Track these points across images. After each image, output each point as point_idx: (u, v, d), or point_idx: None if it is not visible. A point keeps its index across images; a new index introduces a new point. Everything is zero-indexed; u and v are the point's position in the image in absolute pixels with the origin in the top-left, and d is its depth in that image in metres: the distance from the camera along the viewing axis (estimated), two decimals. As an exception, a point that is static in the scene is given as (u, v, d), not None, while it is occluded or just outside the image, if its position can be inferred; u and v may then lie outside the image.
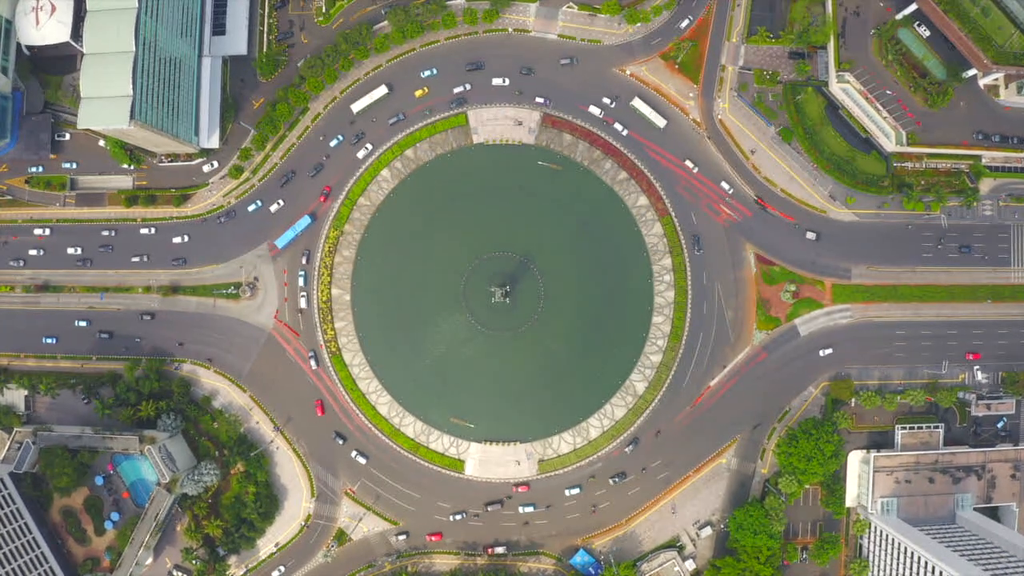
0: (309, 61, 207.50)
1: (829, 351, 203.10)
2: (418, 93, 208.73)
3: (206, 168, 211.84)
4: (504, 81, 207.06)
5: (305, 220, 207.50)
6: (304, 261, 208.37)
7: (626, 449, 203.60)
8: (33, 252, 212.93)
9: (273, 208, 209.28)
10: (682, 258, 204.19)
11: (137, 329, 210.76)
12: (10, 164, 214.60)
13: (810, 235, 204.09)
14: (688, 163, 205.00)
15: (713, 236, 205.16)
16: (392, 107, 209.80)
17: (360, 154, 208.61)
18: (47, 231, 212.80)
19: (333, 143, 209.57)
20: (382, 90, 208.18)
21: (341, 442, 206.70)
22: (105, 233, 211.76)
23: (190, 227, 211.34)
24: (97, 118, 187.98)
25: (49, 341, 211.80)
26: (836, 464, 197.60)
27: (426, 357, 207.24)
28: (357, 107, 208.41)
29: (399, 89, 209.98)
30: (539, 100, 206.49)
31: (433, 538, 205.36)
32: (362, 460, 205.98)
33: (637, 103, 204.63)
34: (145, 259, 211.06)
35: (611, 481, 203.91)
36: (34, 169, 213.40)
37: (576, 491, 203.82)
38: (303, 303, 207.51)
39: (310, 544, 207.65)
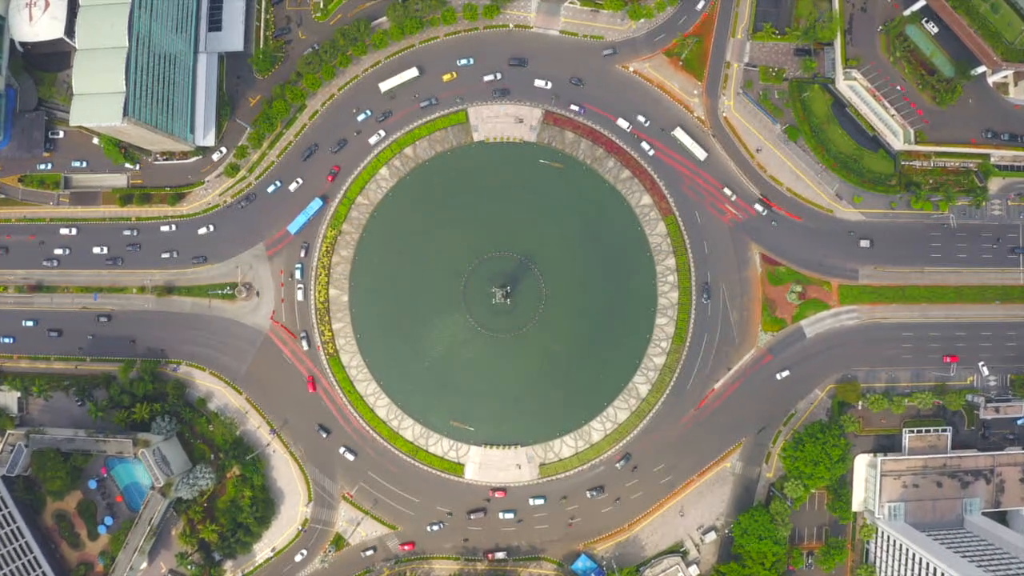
0: (307, 57, 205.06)
1: (786, 373, 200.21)
2: (446, 77, 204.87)
3: (215, 156, 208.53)
4: (547, 84, 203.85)
5: (317, 203, 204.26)
6: (303, 254, 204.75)
7: (617, 464, 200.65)
8: (59, 251, 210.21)
9: (292, 187, 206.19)
10: (686, 258, 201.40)
11: (95, 328, 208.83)
12: (3, 163, 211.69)
13: (864, 243, 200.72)
14: (727, 191, 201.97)
15: (718, 236, 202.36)
16: (421, 90, 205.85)
17: (372, 140, 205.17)
18: (73, 230, 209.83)
19: (361, 117, 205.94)
20: (412, 72, 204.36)
21: (324, 435, 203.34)
22: (127, 232, 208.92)
23: (214, 217, 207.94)
24: (90, 115, 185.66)
25: (6, 340, 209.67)
26: (843, 468, 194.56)
27: (425, 359, 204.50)
28: (385, 86, 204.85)
29: (427, 73, 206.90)
30: (574, 107, 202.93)
31: (406, 547, 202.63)
32: (350, 456, 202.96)
33: (679, 133, 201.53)
34: (175, 255, 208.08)
35: (588, 494, 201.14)
36: (42, 167, 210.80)
37: (540, 501, 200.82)
38: (300, 296, 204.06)
39: (307, 549, 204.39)
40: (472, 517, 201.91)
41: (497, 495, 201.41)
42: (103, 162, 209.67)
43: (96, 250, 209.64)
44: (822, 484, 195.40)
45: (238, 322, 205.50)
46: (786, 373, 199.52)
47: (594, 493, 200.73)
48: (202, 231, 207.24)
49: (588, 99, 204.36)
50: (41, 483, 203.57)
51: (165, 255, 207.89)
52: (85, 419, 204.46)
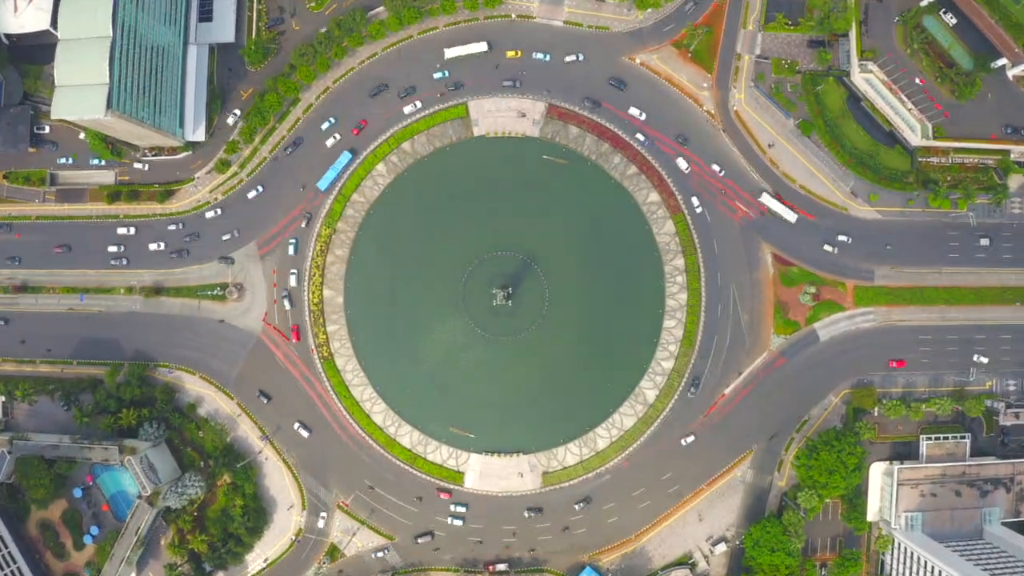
0: (300, 49, 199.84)
1: (691, 439, 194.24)
2: (510, 54, 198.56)
3: (230, 120, 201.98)
4: (641, 114, 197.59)
5: (345, 156, 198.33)
6: (304, 224, 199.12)
7: (575, 506, 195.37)
8: (113, 248, 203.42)
9: (329, 143, 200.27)
10: (695, 258, 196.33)
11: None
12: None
13: (984, 241, 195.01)
14: (766, 198, 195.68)
15: (728, 235, 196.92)
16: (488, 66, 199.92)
17: (407, 109, 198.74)
18: (132, 230, 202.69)
19: (438, 76, 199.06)
20: (481, 46, 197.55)
21: (265, 401, 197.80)
22: (172, 227, 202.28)
23: (261, 176, 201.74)
24: (72, 107, 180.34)
25: None
26: (858, 477, 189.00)
27: (423, 363, 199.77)
28: (450, 53, 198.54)
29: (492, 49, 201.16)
30: (640, 137, 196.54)
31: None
32: (305, 433, 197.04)
33: (766, 199, 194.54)
34: (235, 234, 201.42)
35: (526, 514, 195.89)
36: (62, 160, 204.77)
37: (462, 509, 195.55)
38: (293, 281, 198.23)
39: (301, 560, 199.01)
40: (419, 541, 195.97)
41: (442, 496, 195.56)
42: (93, 158, 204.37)
43: (153, 246, 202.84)
44: (837, 494, 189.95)
45: (229, 324, 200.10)
46: (691, 439, 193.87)
47: (532, 514, 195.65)
48: (251, 194, 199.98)
49: (607, 101, 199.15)
50: (25, 491, 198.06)
51: (226, 236, 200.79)
52: (71, 424, 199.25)
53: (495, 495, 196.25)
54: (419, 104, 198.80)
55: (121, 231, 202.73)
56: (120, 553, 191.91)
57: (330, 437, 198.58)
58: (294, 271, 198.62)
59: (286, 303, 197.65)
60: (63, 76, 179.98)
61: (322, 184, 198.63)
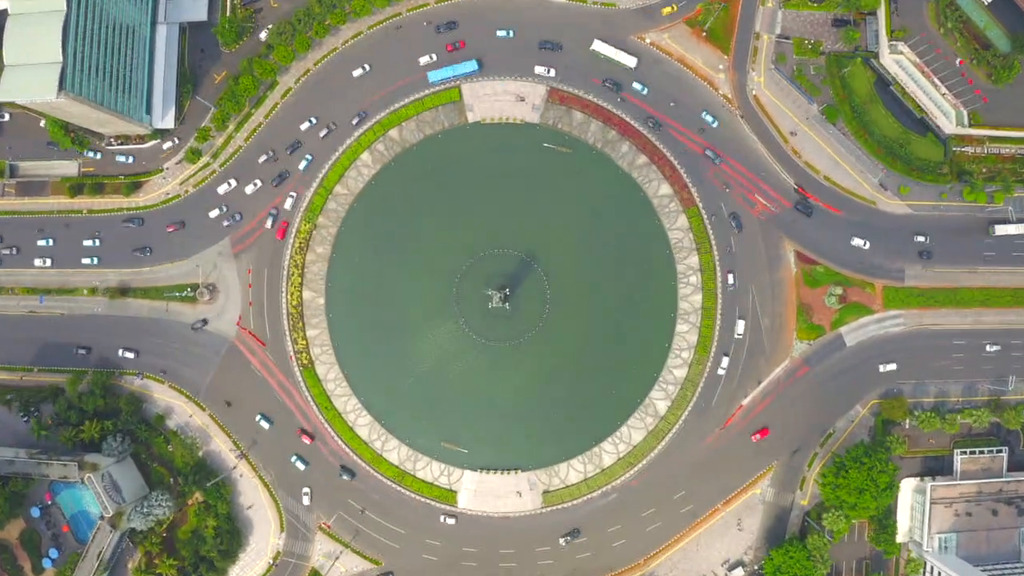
0: (278, 27, 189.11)
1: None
2: (666, 11, 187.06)
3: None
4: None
5: (471, 65, 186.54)
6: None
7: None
8: (215, 212, 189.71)
9: (423, 59, 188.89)
10: (711, 256, 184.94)
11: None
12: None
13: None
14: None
15: (747, 231, 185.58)
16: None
17: (538, 69, 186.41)
18: (233, 183, 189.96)
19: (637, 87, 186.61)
20: (631, 59, 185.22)
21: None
22: (262, 160, 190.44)
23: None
24: (21, 89, 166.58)
25: None
26: (890, 497, 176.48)
27: (412, 372, 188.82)
28: (597, 47, 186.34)
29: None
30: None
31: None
32: (130, 355, 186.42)
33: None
34: (333, 126, 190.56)
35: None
36: (89, 154, 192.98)
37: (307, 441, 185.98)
38: (288, 203, 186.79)
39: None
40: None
41: (305, 439, 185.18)
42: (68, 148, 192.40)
43: (250, 188, 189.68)
44: (866, 515, 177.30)
45: (200, 328, 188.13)
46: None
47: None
48: (358, 72, 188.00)
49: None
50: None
51: (323, 133, 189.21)
52: (31, 437, 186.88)
53: (491, 516, 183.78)
54: (553, 72, 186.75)
55: (222, 189, 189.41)
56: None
57: (313, 453, 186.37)
58: (292, 194, 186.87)
59: (268, 223, 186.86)
60: (13, 55, 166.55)
61: (433, 76, 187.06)
